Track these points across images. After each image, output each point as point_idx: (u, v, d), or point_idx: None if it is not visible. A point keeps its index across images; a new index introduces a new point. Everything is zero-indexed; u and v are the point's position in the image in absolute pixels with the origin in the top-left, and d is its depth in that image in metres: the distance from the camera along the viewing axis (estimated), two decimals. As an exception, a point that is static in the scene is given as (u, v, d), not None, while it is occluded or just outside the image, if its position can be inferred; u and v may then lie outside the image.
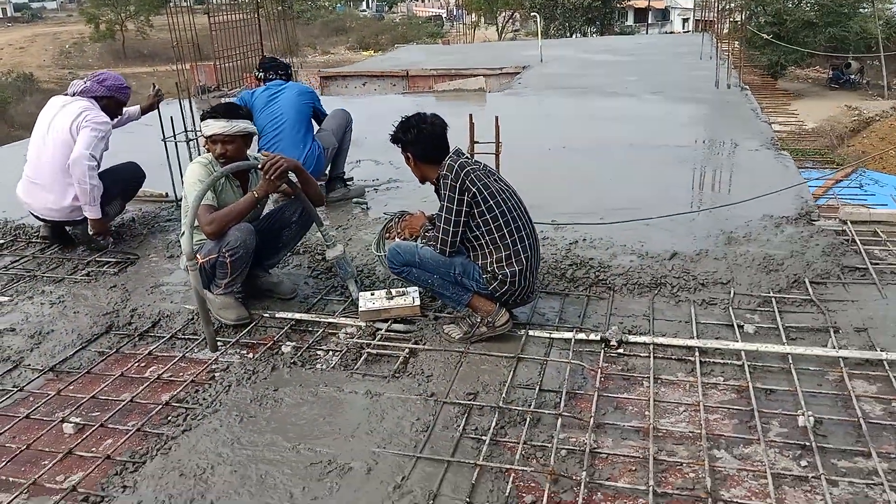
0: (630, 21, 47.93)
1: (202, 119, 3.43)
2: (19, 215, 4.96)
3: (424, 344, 3.23)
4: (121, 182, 4.53)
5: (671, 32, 43.04)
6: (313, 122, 4.94)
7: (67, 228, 4.53)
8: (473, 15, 47.38)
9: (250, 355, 3.24)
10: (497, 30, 46.66)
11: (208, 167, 3.42)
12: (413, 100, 8.95)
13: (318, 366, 3.13)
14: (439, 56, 14.34)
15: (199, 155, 3.74)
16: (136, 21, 52.68)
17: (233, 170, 3.35)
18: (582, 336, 3.17)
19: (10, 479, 2.52)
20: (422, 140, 3.04)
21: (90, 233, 4.39)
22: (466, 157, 3.10)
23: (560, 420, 2.64)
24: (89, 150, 4.18)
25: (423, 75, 11.50)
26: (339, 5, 65.62)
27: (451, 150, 3.08)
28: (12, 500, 2.41)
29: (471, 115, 4.34)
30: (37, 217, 4.45)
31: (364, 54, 46.30)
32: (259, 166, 3.34)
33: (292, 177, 3.46)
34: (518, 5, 41.94)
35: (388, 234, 3.50)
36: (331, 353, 3.24)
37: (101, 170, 4.45)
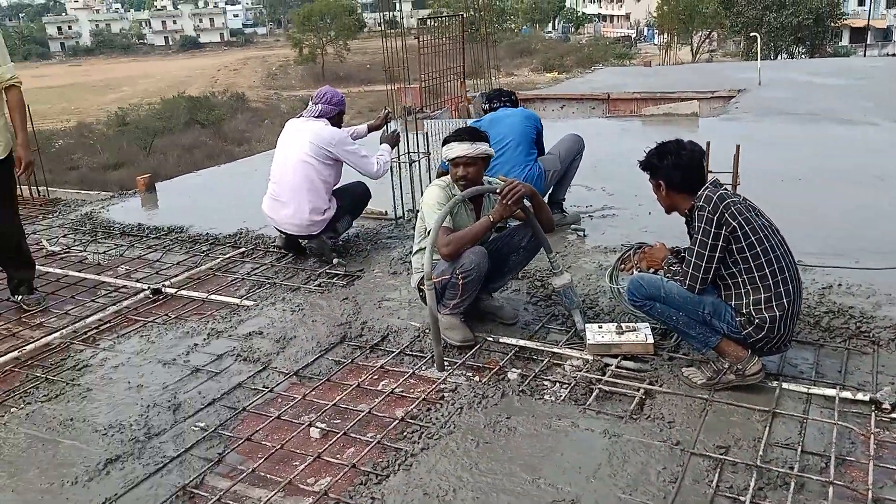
0: (845, 41, 44.11)
1: (445, 143, 3.55)
2: (258, 226, 5.47)
3: (661, 385, 3.10)
4: (350, 200, 4.85)
5: (894, 55, 38.98)
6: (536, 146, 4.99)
7: (302, 242, 4.90)
8: (666, 35, 45.99)
9: (476, 378, 3.29)
10: (691, 50, 44.94)
11: (447, 190, 3.54)
12: (618, 124, 8.81)
13: (547, 396, 3.11)
14: (640, 78, 14.04)
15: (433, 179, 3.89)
16: (335, 45, 56.88)
17: (473, 194, 3.45)
18: (847, 395, 2.88)
19: (267, 475, 2.73)
20: (680, 168, 2.93)
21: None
22: (726, 189, 2.94)
23: (832, 489, 2.39)
24: (360, 161, 4.72)
25: (625, 98, 11.29)
26: (525, 27, 66.67)
27: (707, 179, 2.95)
28: (271, 497, 2.60)
29: (708, 143, 4.14)
30: (280, 231, 4.87)
31: (548, 76, 46.53)
32: (497, 191, 3.40)
33: (526, 201, 3.49)
34: (717, 24, 40.14)
35: (622, 266, 3.42)
36: (558, 384, 3.21)
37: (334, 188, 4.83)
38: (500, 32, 57.68)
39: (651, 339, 3.31)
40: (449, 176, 3.61)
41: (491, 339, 3.61)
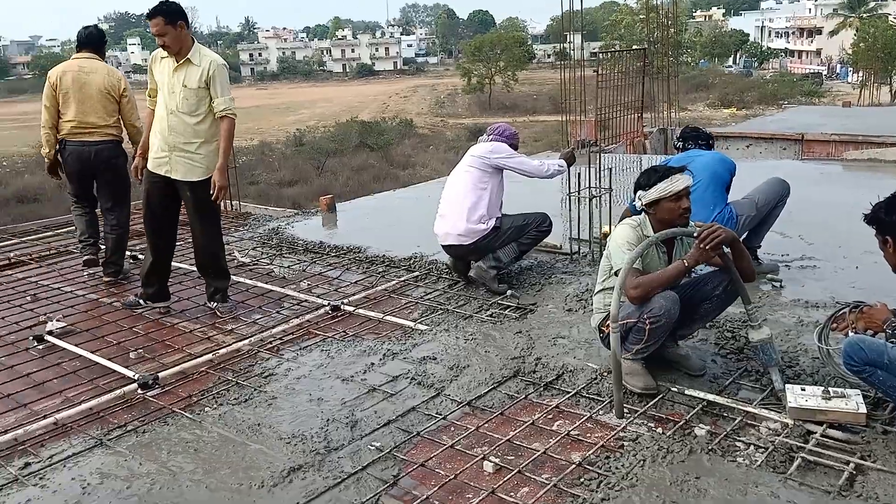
0: None
1: (647, 184, 3.41)
2: (432, 251, 5.63)
3: (874, 461, 2.80)
4: (518, 228, 4.86)
5: None
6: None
7: (470, 273, 4.95)
8: (862, 73, 42.53)
9: (659, 430, 3.14)
10: (891, 91, 41.26)
11: (637, 230, 3.44)
12: (815, 167, 8.22)
13: (740, 459, 2.90)
14: (837, 119, 13.04)
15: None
16: (503, 75, 57.94)
17: (668, 236, 3.33)
18: None
19: (441, 504, 2.76)
20: (916, 224, 2.67)
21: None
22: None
23: None
24: (521, 164, 4.94)
25: (821, 140, 10.51)
26: (702, 61, 64.38)
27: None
28: (445, 526, 2.61)
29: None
30: (444, 248, 5.01)
31: (725, 112, 44.54)
32: (694, 235, 3.26)
33: (724, 247, 3.31)
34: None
35: (835, 325, 3.14)
36: (753, 447, 2.98)
37: (512, 213, 4.89)
38: (676, 66, 56.08)
39: (863, 409, 3.00)
40: (638, 217, 3.51)
41: (675, 389, 3.44)
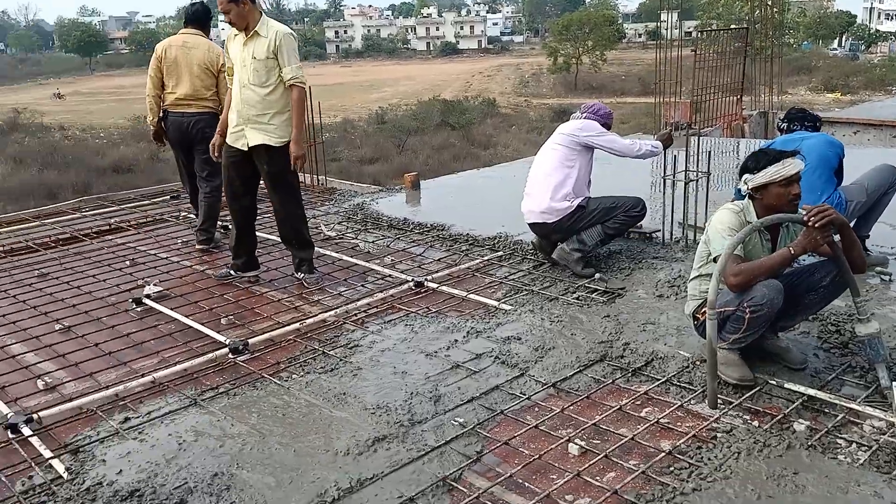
0: None
1: (756, 167, 3.28)
2: (517, 231, 5.61)
3: None
4: (605, 209, 4.76)
5: None
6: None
7: (553, 255, 4.91)
8: None
9: (756, 423, 3.04)
10: None
11: (740, 216, 3.32)
12: (930, 156, 7.71)
13: (842, 457, 2.79)
14: (955, 105, 12.21)
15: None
16: (591, 55, 56.81)
17: (773, 222, 3.20)
18: None
19: (525, 483, 2.76)
20: None
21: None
22: None
23: None
24: (612, 142, 4.84)
25: (937, 127, 9.87)
26: (805, 42, 61.37)
27: None
28: (529, 505, 2.62)
29: None
30: (529, 226, 5.00)
31: (829, 96, 42.39)
32: (801, 221, 3.12)
33: (834, 235, 3.16)
34: None
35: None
36: (855, 445, 2.86)
37: (602, 195, 4.81)
38: (778, 47, 53.63)
39: (982, 413, 2.83)
40: (741, 202, 3.39)
41: (773, 382, 3.32)
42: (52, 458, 3.04)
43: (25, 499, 2.77)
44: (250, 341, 4.07)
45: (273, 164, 4.78)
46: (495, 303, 4.46)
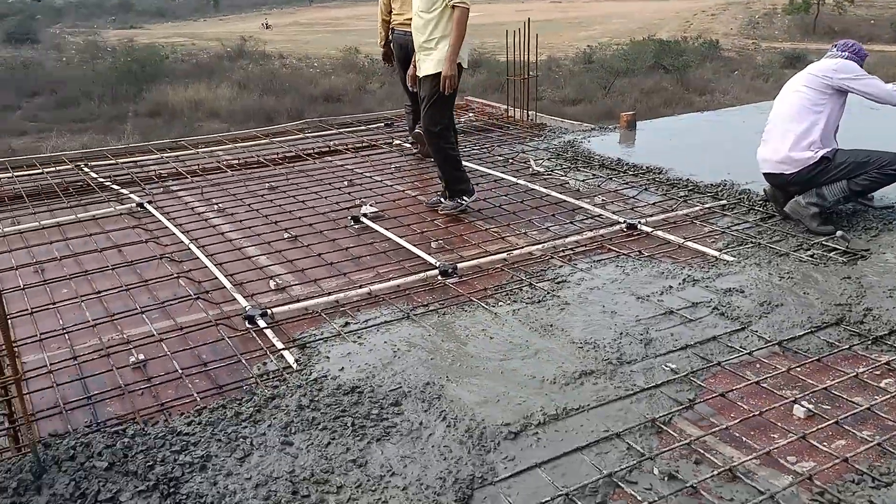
0: None
1: None
2: (744, 180, 5.32)
3: None
4: (856, 163, 4.37)
5: None
6: None
7: (784, 208, 4.60)
8: None
9: None
10: None
11: None
12: None
13: None
14: None
15: None
16: (840, -7, 51.18)
17: None
18: None
19: (742, 438, 2.70)
20: None
21: None
22: None
23: None
24: (869, 86, 4.43)
25: None
26: None
27: None
28: (745, 461, 2.57)
29: None
30: (764, 175, 4.73)
31: None
32: None
33: None
34: None
35: None
36: None
37: (849, 148, 4.43)
38: None
39: None
40: None
41: None
42: (283, 349, 3.43)
43: (262, 381, 3.17)
44: (459, 266, 4.26)
45: (426, 84, 5.04)
46: (715, 252, 4.30)
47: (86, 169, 6.45)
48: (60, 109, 23.61)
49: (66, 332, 3.65)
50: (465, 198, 5.20)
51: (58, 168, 6.56)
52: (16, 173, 6.37)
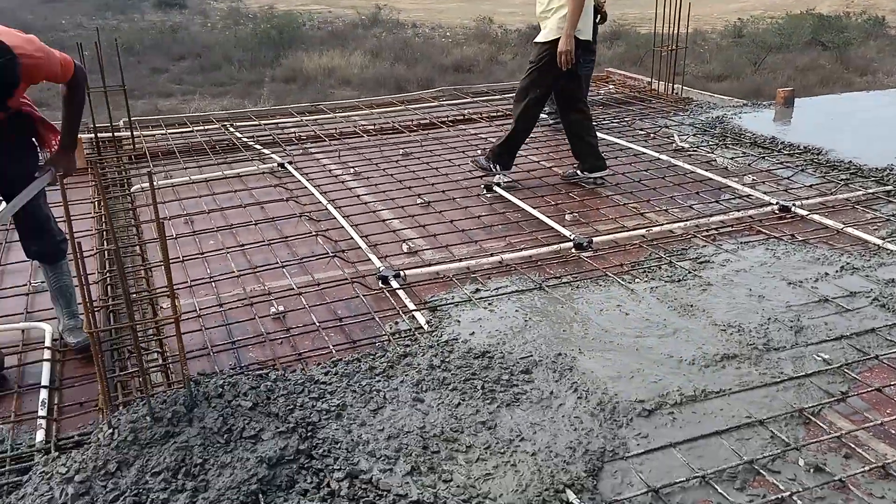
0: None
1: None
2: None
3: None
4: None
5: None
6: None
7: None
8: None
9: None
10: None
11: None
12: None
13: None
14: None
15: None
16: None
17: None
18: None
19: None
20: None
21: None
22: None
23: None
24: None
25: None
26: None
27: None
28: (904, 460, 2.43)
29: None
30: None
31: None
32: None
33: None
34: None
35: None
36: None
37: None
38: None
39: None
40: None
41: None
42: (415, 310, 3.54)
43: (394, 338, 3.28)
44: (594, 240, 4.23)
45: (532, 53, 5.08)
46: (878, 241, 4.04)
47: (231, 129, 6.83)
48: (203, 73, 24.99)
49: (213, 280, 3.92)
50: (497, 166, 5.29)
51: (206, 127, 6.99)
52: (168, 130, 6.84)
